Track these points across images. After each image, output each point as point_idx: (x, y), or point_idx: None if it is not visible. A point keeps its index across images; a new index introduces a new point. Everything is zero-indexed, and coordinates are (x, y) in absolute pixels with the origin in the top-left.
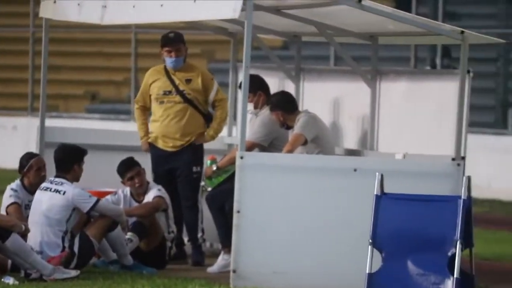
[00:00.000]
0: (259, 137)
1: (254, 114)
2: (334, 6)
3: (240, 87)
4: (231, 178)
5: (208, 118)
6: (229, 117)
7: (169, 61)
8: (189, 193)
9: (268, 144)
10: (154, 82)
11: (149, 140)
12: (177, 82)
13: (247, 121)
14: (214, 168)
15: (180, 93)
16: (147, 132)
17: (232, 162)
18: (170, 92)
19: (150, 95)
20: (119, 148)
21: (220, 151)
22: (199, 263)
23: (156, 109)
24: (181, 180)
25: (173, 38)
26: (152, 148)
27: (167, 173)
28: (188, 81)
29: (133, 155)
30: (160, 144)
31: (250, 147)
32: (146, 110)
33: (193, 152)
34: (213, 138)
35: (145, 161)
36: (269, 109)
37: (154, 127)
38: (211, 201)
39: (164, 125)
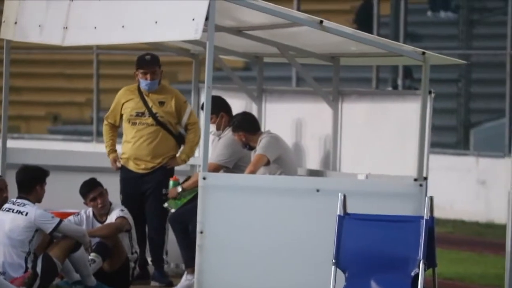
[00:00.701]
0: (223, 159)
1: (217, 136)
2: (295, 27)
3: (202, 108)
4: (194, 199)
5: (180, 139)
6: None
7: (144, 83)
8: (157, 214)
9: (233, 165)
10: (127, 102)
11: (122, 163)
12: (150, 104)
13: (209, 142)
14: (179, 189)
15: (152, 115)
16: (114, 148)
17: (197, 185)
18: (143, 113)
19: (121, 115)
20: (81, 169)
21: (183, 172)
22: (162, 284)
23: (128, 130)
24: (150, 201)
25: (149, 61)
26: (122, 169)
27: (137, 194)
28: (162, 103)
29: (96, 176)
30: (132, 166)
31: (214, 170)
32: (115, 127)
33: (163, 174)
34: (184, 162)
35: (108, 182)
36: (231, 130)
37: (126, 149)
38: (175, 222)
39: (135, 147)
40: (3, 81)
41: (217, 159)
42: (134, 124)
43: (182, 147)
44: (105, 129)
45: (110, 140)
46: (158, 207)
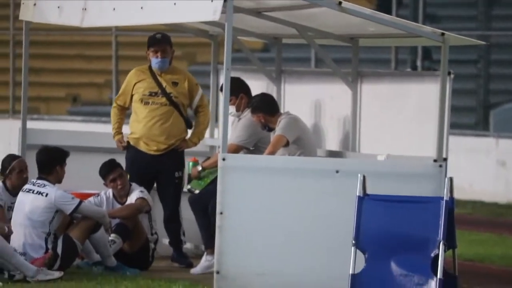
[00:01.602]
0: (243, 140)
1: (237, 117)
2: (314, 8)
3: (221, 90)
4: (214, 180)
5: (187, 123)
6: (210, 119)
7: (154, 61)
8: (171, 198)
9: (253, 146)
10: (138, 82)
11: (131, 143)
12: (163, 84)
13: (229, 123)
14: (200, 168)
15: (166, 95)
16: (120, 130)
17: (217, 165)
18: (156, 93)
19: (132, 95)
20: (101, 150)
21: (202, 153)
22: (182, 265)
23: (140, 110)
24: (163, 185)
25: (159, 39)
26: (131, 149)
27: (146, 175)
28: (175, 84)
29: (115, 157)
30: (142, 147)
31: (235, 151)
32: (124, 110)
33: (175, 157)
34: (195, 144)
35: None
36: (250, 112)
37: (137, 128)
38: (194, 203)
39: (148, 127)
40: (23, 62)
41: (237, 140)
42: (147, 103)
43: (191, 130)
44: (113, 111)
45: (117, 123)
46: (171, 190)
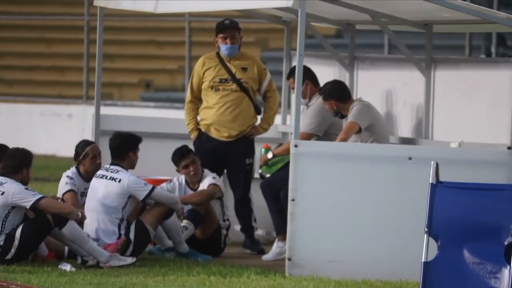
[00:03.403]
0: (314, 128)
1: (304, 105)
2: None
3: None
4: (285, 166)
5: (256, 109)
6: (282, 106)
7: (224, 47)
8: (241, 185)
9: (323, 133)
10: (208, 69)
11: (202, 129)
12: (233, 70)
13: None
14: (270, 155)
15: (237, 81)
16: (196, 126)
17: (288, 152)
18: (226, 80)
19: (202, 83)
20: (173, 136)
21: (274, 140)
22: (254, 251)
23: (211, 96)
24: (233, 172)
25: (228, 25)
26: (202, 136)
27: (216, 162)
28: (244, 69)
29: (188, 143)
30: (213, 134)
31: (306, 139)
32: (196, 103)
33: (245, 144)
34: (265, 130)
35: None
36: (321, 99)
37: (208, 115)
38: (266, 189)
39: (219, 113)
40: (97, 48)
41: (307, 128)
42: (217, 90)
43: (261, 116)
44: (189, 106)
45: (194, 118)
46: (242, 177)
